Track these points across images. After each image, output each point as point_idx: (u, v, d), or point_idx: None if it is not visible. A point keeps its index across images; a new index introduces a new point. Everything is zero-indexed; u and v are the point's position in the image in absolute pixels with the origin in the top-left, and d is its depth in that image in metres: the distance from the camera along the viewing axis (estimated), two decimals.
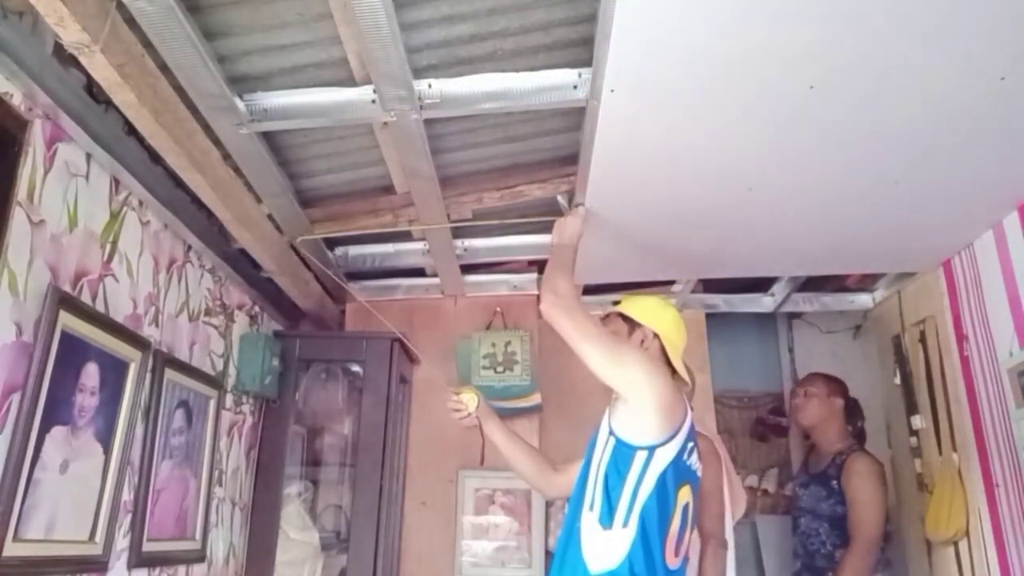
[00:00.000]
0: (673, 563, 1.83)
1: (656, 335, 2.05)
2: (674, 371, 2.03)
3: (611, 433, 1.86)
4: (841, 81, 1.72)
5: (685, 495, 1.86)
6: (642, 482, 1.79)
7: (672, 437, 1.81)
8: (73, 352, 1.64)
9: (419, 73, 1.82)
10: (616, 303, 2.18)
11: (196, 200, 2.11)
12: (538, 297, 3.18)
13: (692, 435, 1.89)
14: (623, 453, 1.82)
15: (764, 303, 3.58)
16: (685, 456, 1.85)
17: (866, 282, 3.43)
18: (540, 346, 3.12)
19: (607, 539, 1.78)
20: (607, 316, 2.14)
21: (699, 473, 1.96)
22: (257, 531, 2.70)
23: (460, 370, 3.12)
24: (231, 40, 1.73)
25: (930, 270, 2.91)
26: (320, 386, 3.03)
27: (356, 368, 3.01)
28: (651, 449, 1.80)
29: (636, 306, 2.10)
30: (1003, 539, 2.48)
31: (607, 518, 1.78)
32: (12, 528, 1.44)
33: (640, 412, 1.82)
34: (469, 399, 2.29)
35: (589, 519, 1.81)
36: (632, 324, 2.07)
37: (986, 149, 2.02)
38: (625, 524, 1.77)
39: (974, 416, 2.64)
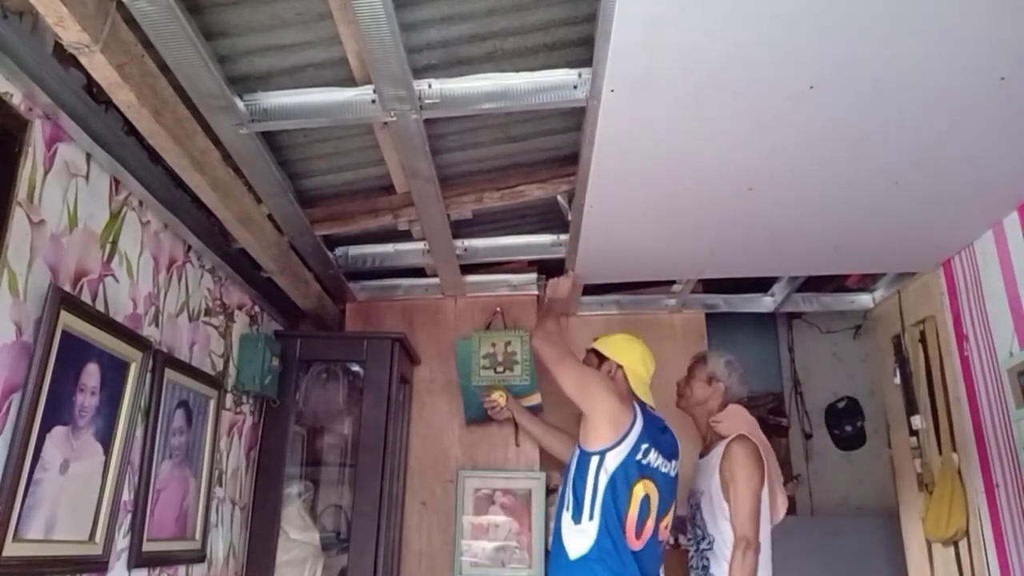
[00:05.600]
0: (635, 545, 2.26)
1: (620, 366, 2.50)
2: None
3: (577, 446, 2.38)
4: (841, 81, 1.72)
5: (644, 488, 2.29)
6: (599, 480, 2.26)
7: (620, 442, 2.28)
8: (73, 352, 1.64)
9: (419, 73, 1.82)
10: (595, 339, 2.63)
11: (196, 200, 2.11)
12: (538, 298, 3.22)
13: (646, 438, 2.31)
14: (583, 460, 2.32)
15: (764, 303, 3.57)
16: (639, 456, 2.29)
17: (866, 282, 3.43)
18: None
19: (579, 531, 2.26)
20: (587, 352, 2.60)
21: (666, 469, 2.37)
22: (257, 531, 2.70)
23: (460, 369, 3.12)
24: (231, 40, 1.73)
25: (930, 270, 2.91)
26: (320, 386, 3.03)
27: (356, 368, 3.01)
28: (602, 453, 2.28)
29: (606, 343, 2.58)
30: (1003, 539, 2.48)
31: (577, 514, 2.28)
32: (12, 528, 1.44)
33: (594, 423, 2.32)
34: (500, 395, 2.90)
35: (566, 517, 2.32)
36: (601, 358, 2.54)
37: (986, 149, 2.02)
38: (591, 517, 2.25)
39: (974, 416, 2.64)
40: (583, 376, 2.39)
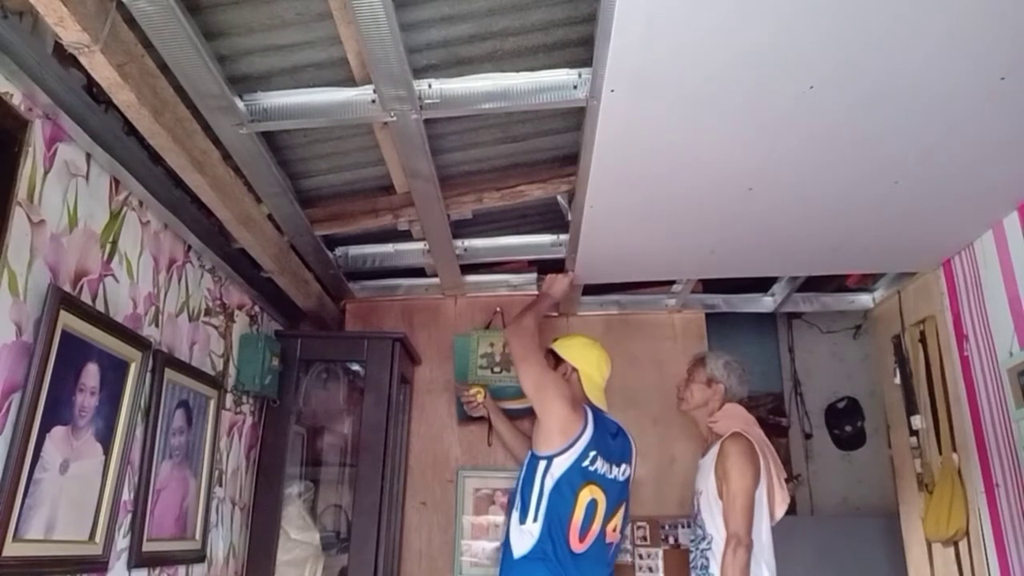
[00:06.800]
0: (578, 548, 2.35)
1: (575, 369, 2.58)
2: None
3: (529, 449, 2.47)
4: (841, 81, 1.72)
5: (591, 493, 2.37)
6: (544, 485, 2.35)
7: (567, 448, 2.36)
8: (73, 352, 1.63)
9: (419, 73, 1.82)
10: (554, 340, 2.72)
11: (196, 200, 2.10)
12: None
13: (594, 445, 2.39)
14: (532, 463, 2.42)
15: (764, 303, 3.57)
16: (587, 463, 2.37)
17: (866, 282, 3.43)
18: None
19: (524, 531, 2.36)
20: (546, 352, 2.63)
21: (613, 475, 2.45)
22: (257, 531, 2.70)
23: (457, 366, 3.12)
24: (231, 40, 1.73)
25: (930, 270, 2.91)
26: (320, 386, 3.03)
27: (357, 368, 3.01)
28: (549, 458, 2.37)
29: (564, 344, 2.68)
30: (1003, 539, 2.48)
31: (524, 515, 2.37)
32: (12, 528, 1.44)
33: (545, 428, 2.40)
34: (477, 392, 2.89)
35: (514, 517, 2.41)
36: (558, 359, 2.62)
37: (986, 149, 2.02)
38: (536, 519, 2.34)
39: (974, 416, 2.64)
40: (543, 379, 2.44)
